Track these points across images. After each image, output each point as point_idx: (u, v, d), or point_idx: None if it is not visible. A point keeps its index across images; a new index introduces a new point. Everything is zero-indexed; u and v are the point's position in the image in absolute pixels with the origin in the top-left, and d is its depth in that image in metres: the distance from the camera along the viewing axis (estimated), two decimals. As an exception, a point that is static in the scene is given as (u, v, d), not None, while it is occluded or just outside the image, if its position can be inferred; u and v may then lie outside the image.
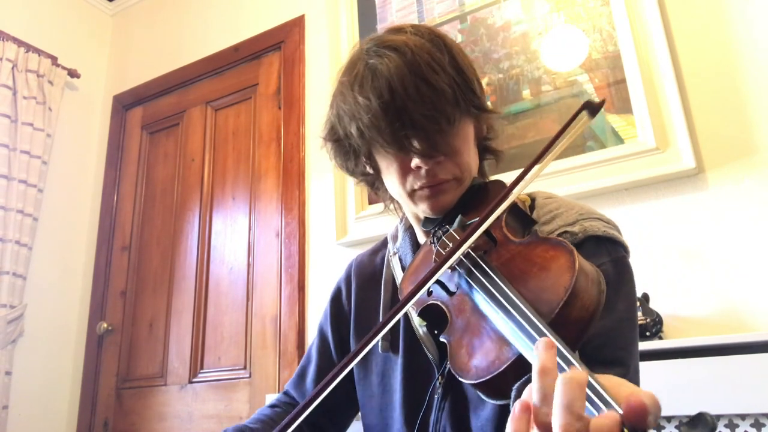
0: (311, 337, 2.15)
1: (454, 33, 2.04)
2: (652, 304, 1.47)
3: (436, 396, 0.76)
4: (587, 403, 0.40)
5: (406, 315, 0.84)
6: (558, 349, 0.46)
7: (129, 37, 3.13)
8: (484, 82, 1.91)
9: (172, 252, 2.60)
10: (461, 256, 0.65)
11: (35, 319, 2.52)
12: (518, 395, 0.51)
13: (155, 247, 2.67)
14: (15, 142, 2.50)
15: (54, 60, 2.74)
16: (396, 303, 0.87)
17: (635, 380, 0.70)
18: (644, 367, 1.37)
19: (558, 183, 1.68)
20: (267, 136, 2.48)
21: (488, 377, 0.55)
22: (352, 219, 2.08)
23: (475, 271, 0.63)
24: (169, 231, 2.65)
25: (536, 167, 0.64)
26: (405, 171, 0.76)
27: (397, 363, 0.83)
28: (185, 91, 2.82)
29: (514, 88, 1.88)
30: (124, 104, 3.01)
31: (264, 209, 2.40)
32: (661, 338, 1.43)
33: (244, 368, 2.27)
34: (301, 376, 0.99)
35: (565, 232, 0.73)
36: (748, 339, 1.29)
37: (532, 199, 0.80)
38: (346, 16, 2.29)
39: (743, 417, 1.24)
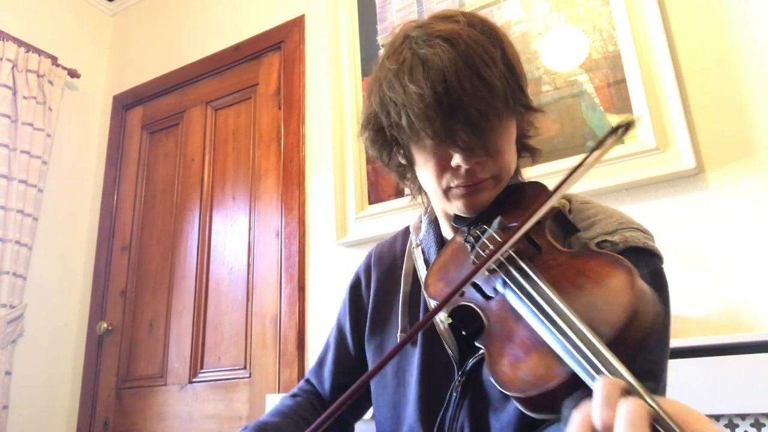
0: (311, 337, 2.15)
1: (454, 33, 2.04)
2: (652, 304, 1.47)
3: (454, 394, 0.74)
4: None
5: (425, 306, 0.82)
6: (621, 376, 0.45)
7: (129, 37, 3.13)
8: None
9: (172, 252, 2.60)
10: (502, 259, 0.62)
11: (35, 319, 2.52)
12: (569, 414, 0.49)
13: (155, 247, 2.67)
14: (15, 142, 2.50)
15: (54, 60, 2.74)
16: (416, 296, 0.85)
17: (663, 394, 0.69)
18: (644, 367, 1.36)
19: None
20: (267, 136, 2.48)
21: (535, 393, 0.52)
22: (352, 219, 2.08)
23: (518, 276, 0.60)
24: (169, 231, 2.65)
25: (587, 162, 0.65)
26: (443, 168, 0.74)
27: (414, 356, 0.81)
28: (185, 91, 2.82)
29: (514, 88, 1.88)
30: (124, 104, 3.01)
31: (264, 209, 2.40)
32: (661, 338, 1.43)
33: (244, 368, 2.27)
34: (320, 365, 0.99)
35: (605, 241, 0.71)
36: (748, 339, 1.29)
37: (569, 202, 0.78)
38: (346, 16, 2.29)
39: (743, 417, 1.24)
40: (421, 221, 0.94)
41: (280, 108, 2.47)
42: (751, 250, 1.47)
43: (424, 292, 0.81)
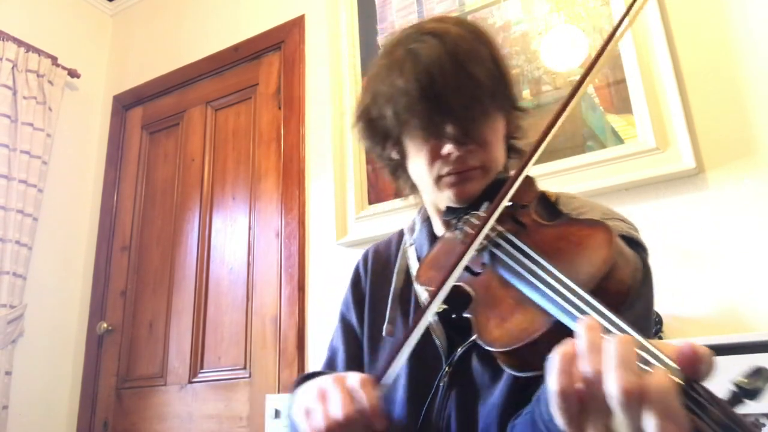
0: (311, 337, 2.15)
1: (454, 33, 2.03)
2: (652, 304, 1.47)
3: (441, 384, 0.76)
4: (639, 363, 0.41)
5: (415, 300, 0.84)
6: (603, 314, 0.47)
7: (129, 37, 3.13)
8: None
9: (172, 252, 2.60)
10: (491, 236, 0.66)
11: (35, 319, 2.52)
12: None
13: (155, 247, 2.67)
14: (15, 142, 2.50)
15: (54, 60, 2.74)
16: (407, 292, 0.87)
17: None
18: (644, 367, 1.35)
19: (558, 183, 1.68)
20: (267, 136, 2.48)
21: (519, 344, 0.54)
22: (352, 219, 2.08)
23: (505, 245, 0.63)
24: (169, 231, 2.65)
25: (571, 103, 0.67)
26: (434, 156, 0.77)
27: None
28: (185, 91, 2.82)
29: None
30: (124, 104, 3.01)
31: (264, 209, 2.40)
32: (661, 338, 1.43)
33: (244, 368, 2.27)
34: (330, 368, 0.98)
35: None
36: (748, 339, 1.29)
37: (556, 197, 0.81)
38: (346, 16, 2.29)
39: (743, 417, 1.24)
40: (414, 222, 0.96)
41: (280, 108, 2.47)
42: (751, 249, 1.47)
43: (416, 283, 0.84)
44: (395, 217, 1.96)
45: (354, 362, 0.95)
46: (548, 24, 1.87)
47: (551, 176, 1.70)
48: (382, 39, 2.20)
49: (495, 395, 0.71)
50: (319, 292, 2.16)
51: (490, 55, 0.77)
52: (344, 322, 0.98)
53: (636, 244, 0.73)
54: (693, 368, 0.39)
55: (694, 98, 1.61)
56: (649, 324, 0.72)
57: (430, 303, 0.61)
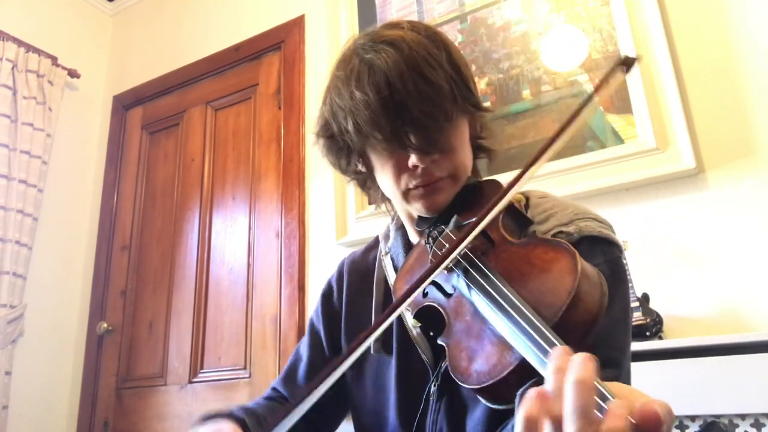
0: (311, 337, 2.15)
1: (454, 33, 2.04)
2: (652, 304, 1.47)
3: (431, 398, 0.75)
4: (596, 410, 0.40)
5: (400, 316, 0.83)
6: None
7: (129, 37, 3.13)
8: (484, 82, 1.92)
9: (172, 252, 2.60)
10: (458, 257, 0.64)
11: (35, 319, 2.52)
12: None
13: (155, 247, 2.67)
14: (15, 142, 2.50)
15: (54, 60, 2.74)
16: (389, 303, 0.85)
17: (627, 382, 0.69)
18: (644, 367, 1.37)
19: (558, 183, 1.68)
20: (267, 136, 2.48)
21: (490, 382, 0.53)
22: (352, 219, 2.09)
23: (473, 272, 0.62)
24: (169, 231, 2.65)
25: (534, 166, 0.63)
26: (400, 170, 0.75)
27: (391, 364, 0.82)
28: (185, 91, 2.82)
29: (514, 88, 1.88)
30: (124, 104, 3.01)
31: (264, 209, 2.40)
32: (661, 338, 1.43)
33: (244, 368, 2.27)
34: (291, 374, 0.97)
35: (560, 232, 0.72)
36: (748, 339, 1.29)
37: (527, 198, 0.79)
38: (346, 16, 2.30)
39: (743, 417, 1.24)
40: (389, 229, 0.94)
41: (280, 108, 2.47)
42: (751, 249, 1.47)
43: (394, 297, 0.82)
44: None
45: (316, 369, 0.94)
46: (548, 24, 1.87)
47: (552, 176, 1.70)
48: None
49: (480, 408, 0.70)
50: (319, 292, 2.16)
51: (448, 58, 0.74)
52: (313, 329, 0.97)
53: (609, 243, 0.72)
54: (652, 427, 0.38)
55: (694, 98, 1.61)
56: (626, 326, 0.71)
57: (368, 335, 0.59)
